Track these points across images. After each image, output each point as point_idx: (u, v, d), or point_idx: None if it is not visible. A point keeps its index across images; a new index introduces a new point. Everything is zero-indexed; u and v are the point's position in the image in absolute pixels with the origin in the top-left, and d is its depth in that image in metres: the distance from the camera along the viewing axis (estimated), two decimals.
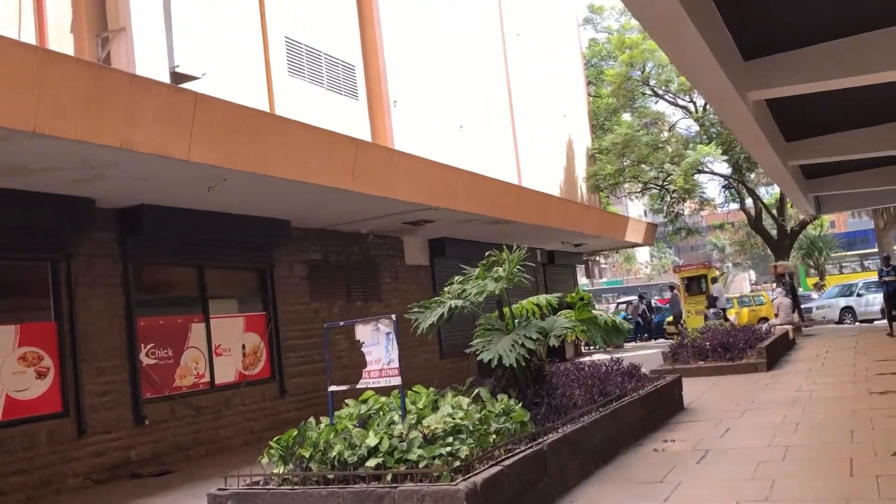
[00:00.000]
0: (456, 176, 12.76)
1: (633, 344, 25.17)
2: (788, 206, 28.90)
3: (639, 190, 26.34)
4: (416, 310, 7.56)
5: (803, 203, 20.04)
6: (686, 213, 29.88)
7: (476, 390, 6.58)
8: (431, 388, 6.55)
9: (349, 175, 10.01)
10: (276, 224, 11.43)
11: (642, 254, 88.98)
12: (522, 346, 6.76)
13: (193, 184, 8.72)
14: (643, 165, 23.43)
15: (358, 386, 6.23)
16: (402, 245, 15.42)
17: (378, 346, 6.10)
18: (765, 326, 17.60)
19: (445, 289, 7.67)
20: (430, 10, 16.97)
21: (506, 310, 7.83)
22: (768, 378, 11.85)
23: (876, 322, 24.60)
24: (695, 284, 26.72)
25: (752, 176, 25.61)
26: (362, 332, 6.23)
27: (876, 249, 38.95)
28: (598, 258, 24.91)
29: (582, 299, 8.13)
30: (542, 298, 8.28)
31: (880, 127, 11.07)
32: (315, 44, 13.55)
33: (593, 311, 8.03)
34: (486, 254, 7.83)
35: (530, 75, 21.61)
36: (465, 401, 6.09)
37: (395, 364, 5.94)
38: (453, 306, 7.25)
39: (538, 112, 21.99)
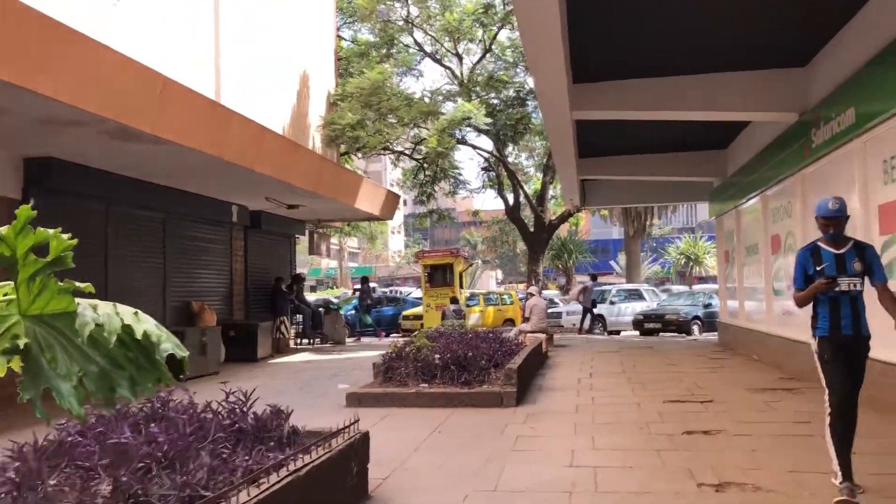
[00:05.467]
0: (47, 30, 6.78)
1: (356, 342, 20.39)
2: (549, 196, 26.01)
3: (385, 151, 21.59)
4: None
5: (573, 187, 16.70)
6: (441, 193, 25.89)
7: None
8: None
9: None
10: None
11: (396, 242, 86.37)
12: None
13: None
14: (391, 119, 18.63)
15: None
16: None
17: None
18: (513, 332, 13.55)
19: None
20: None
21: None
22: (520, 424, 7.38)
23: (623, 333, 22.19)
24: (439, 274, 22.69)
25: (514, 150, 22.21)
26: None
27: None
28: (326, 231, 19.75)
29: None
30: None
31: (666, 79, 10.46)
32: None
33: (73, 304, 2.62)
34: None
35: None
36: None
37: None
38: None
39: (259, 23, 16.29)
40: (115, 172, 10.76)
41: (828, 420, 4.59)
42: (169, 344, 2.51)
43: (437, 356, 9.28)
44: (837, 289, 4.62)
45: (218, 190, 13.25)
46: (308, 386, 10.89)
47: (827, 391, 4.65)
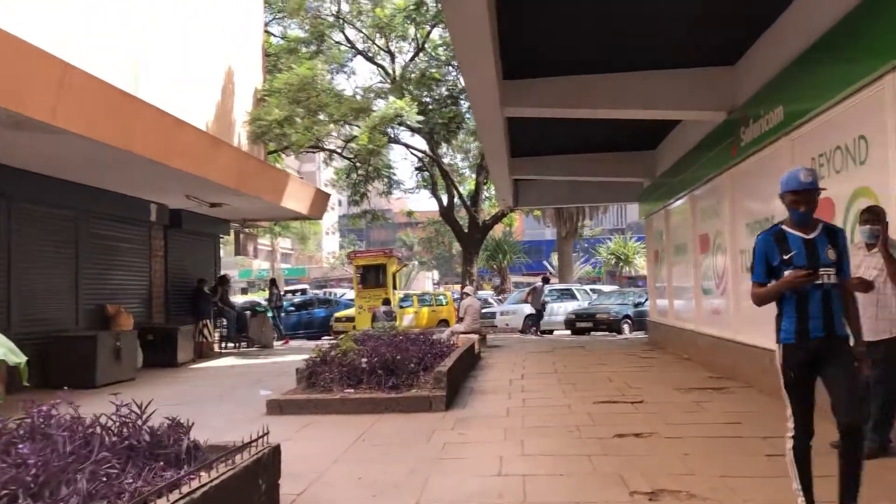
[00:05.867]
0: None
1: (284, 345, 19.78)
2: (483, 197, 25.90)
3: (315, 149, 21.03)
4: None
5: (505, 187, 16.57)
6: (374, 193, 25.47)
7: None
8: None
9: None
10: None
11: (331, 243, 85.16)
12: None
13: None
14: (321, 115, 18.10)
15: None
16: None
17: None
18: (445, 334, 13.27)
19: None
20: None
21: None
22: (448, 430, 7.07)
23: (556, 332, 22.17)
24: (372, 275, 22.27)
25: (449, 150, 21.95)
26: None
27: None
28: (253, 230, 19.08)
29: None
30: None
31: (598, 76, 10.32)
32: None
33: None
34: None
35: None
36: None
37: None
38: None
39: (182, 15, 15.59)
40: (16, 167, 10.02)
41: (790, 443, 3.95)
42: None
43: (364, 360, 8.90)
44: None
45: (134, 187, 12.56)
46: (228, 393, 10.36)
47: (790, 409, 3.96)
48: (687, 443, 6.16)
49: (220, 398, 9.87)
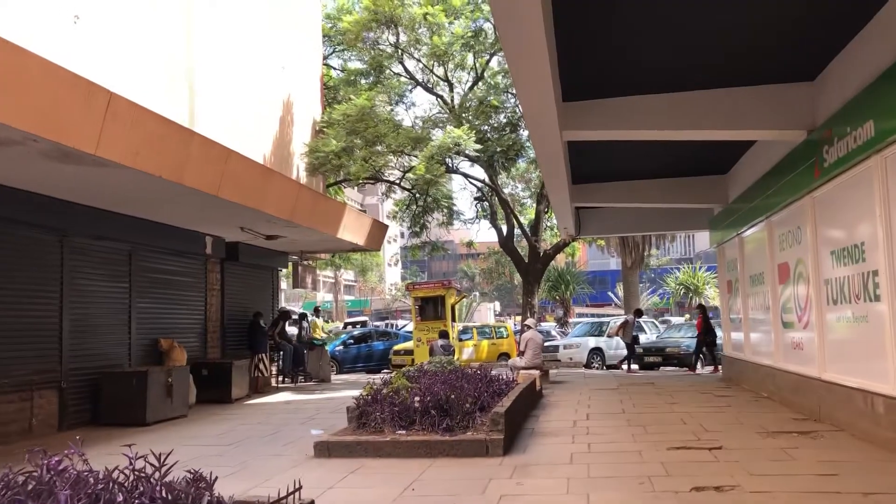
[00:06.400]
0: None
1: (344, 378, 19.43)
2: (544, 227, 25.25)
3: (372, 180, 20.83)
4: None
5: (566, 215, 15.97)
6: (434, 224, 25.14)
7: None
8: None
9: None
10: None
11: (393, 274, 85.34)
12: None
13: None
14: (378, 146, 17.88)
15: None
16: None
17: None
18: (506, 371, 12.62)
19: None
20: None
21: None
22: (505, 479, 6.47)
23: (623, 367, 21.17)
24: (430, 306, 21.82)
25: (507, 179, 21.42)
26: None
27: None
28: (310, 262, 18.91)
29: None
30: None
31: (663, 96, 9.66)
32: None
33: None
34: None
35: None
36: None
37: None
38: None
39: (241, 46, 15.66)
40: (69, 200, 9.96)
41: None
42: None
43: (417, 399, 8.39)
44: None
45: (188, 219, 12.45)
46: (278, 431, 9.98)
47: None
48: (776, 499, 5.42)
49: (269, 437, 9.48)
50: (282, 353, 17.09)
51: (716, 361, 18.25)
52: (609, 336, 22.15)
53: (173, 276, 13.62)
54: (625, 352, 20.52)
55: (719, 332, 17.37)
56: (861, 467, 6.33)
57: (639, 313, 21.62)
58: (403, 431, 8.06)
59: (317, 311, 21.70)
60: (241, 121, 15.27)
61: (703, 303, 22.16)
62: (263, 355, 15.87)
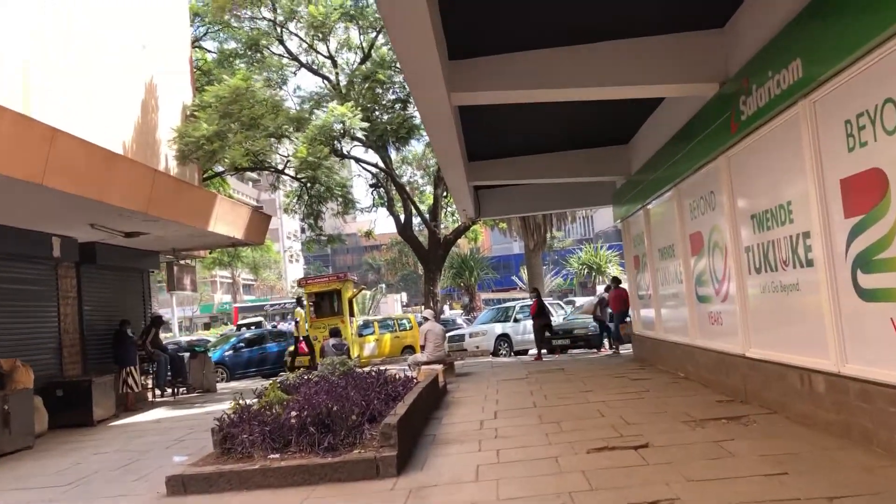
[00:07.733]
0: None
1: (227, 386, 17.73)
2: (444, 212, 24.17)
3: (253, 169, 19.09)
4: None
5: (465, 196, 14.87)
6: (329, 214, 23.58)
7: None
8: None
9: None
10: None
11: (296, 271, 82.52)
12: None
13: None
14: (254, 131, 16.16)
15: None
16: None
17: None
18: (409, 362, 11.35)
19: None
20: None
21: None
22: None
23: (531, 352, 20.34)
24: (325, 302, 20.36)
25: (403, 165, 20.18)
26: None
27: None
28: (188, 261, 17.02)
29: None
30: None
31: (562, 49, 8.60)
32: None
33: None
34: None
35: None
36: None
37: None
38: None
39: (88, 22, 13.67)
40: None
41: None
42: None
43: (294, 413, 7.02)
44: None
45: (22, 217, 10.56)
46: (135, 461, 8.38)
47: None
48: None
49: (121, 470, 7.89)
50: (156, 363, 15.24)
51: (612, 341, 17.76)
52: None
53: (13, 285, 11.64)
54: (531, 336, 19.60)
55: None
56: (810, 461, 5.42)
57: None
58: (277, 455, 6.67)
59: (299, 302, 20.33)
60: (91, 103, 13.31)
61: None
62: (133, 368, 14.01)
